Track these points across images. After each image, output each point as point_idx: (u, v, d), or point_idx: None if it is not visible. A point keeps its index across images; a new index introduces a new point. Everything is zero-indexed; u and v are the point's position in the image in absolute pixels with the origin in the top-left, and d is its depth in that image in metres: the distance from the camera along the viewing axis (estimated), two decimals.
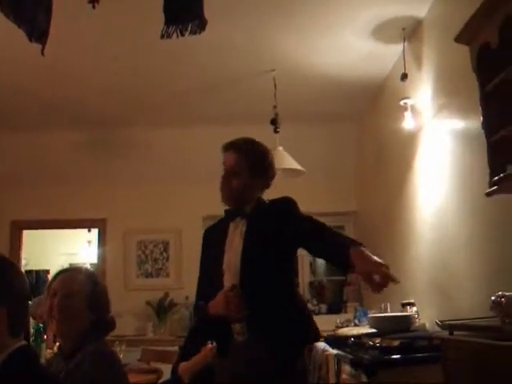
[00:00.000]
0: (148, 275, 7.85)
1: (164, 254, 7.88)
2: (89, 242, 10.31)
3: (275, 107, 5.67)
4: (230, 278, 2.83)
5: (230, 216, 2.99)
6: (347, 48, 5.49)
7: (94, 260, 8.59)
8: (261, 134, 5.86)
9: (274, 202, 2.98)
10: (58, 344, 2.91)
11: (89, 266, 9.63)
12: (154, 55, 5.36)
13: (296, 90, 6.07)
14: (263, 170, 2.97)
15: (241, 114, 6.73)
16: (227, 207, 3.00)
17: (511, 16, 2.97)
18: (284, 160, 5.43)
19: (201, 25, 2.16)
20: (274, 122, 5.64)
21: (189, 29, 2.16)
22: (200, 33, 2.17)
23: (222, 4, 4.49)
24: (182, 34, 2.17)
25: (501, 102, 3.25)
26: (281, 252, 2.84)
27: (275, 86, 5.71)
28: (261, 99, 5.82)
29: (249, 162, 2.91)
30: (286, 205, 2.90)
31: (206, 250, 3.10)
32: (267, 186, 3.02)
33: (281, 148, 5.58)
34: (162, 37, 2.21)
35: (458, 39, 3.51)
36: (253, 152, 2.96)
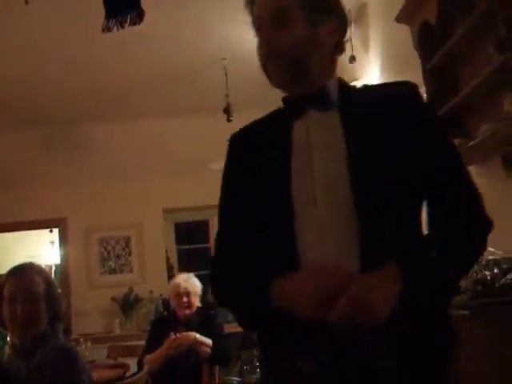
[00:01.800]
0: (112, 272, 7.82)
1: (126, 250, 7.86)
2: (51, 242, 10.20)
3: (227, 96, 5.69)
4: (316, 233, 1.43)
5: (292, 108, 1.58)
6: None
7: (58, 261, 8.52)
8: (214, 123, 5.91)
9: (386, 87, 1.70)
10: (11, 343, 2.79)
11: (53, 268, 9.58)
12: (103, 49, 5.30)
13: (248, 78, 6.03)
14: (331, 13, 1.56)
15: (194, 104, 6.72)
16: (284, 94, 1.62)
17: None
18: None
19: (139, 15, 2.18)
20: (226, 110, 5.66)
21: (128, 20, 2.18)
22: (139, 23, 2.19)
23: None
24: (122, 26, 2.19)
25: (442, 78, 3.33)
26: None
27: (226, 75, 5.72)
28: (213, 89, 5.83)
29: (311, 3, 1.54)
30: (424, 106, 1.59)
31: (242, 173, 1.61)
32: (341, 47, 1.61)
33: None
34: (103, 30, 2.22)
35: (399, 19, 3.59)
36: None
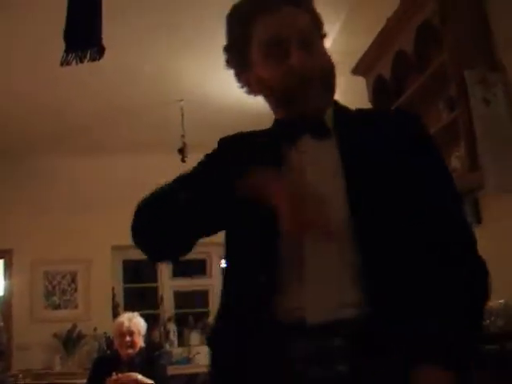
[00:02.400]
0: (56, 307, 7.65)
1: (72, 285, 7.71)
2: None
3: (183, 136, 5.72)
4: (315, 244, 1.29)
5: (287, 131, 1.45)
6: None
7: (1, 292, 8.33)
8: (168, 162, 5.91)
9: (382, 112, 1.72)
10: None
11: None
12: (58, 82, 5.30)
13: (204, 120, 6.13)
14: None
15: (148, 142, 6.72)
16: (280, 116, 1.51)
17: (403, 50, 3.15)
18: None
19: (99, 52, 2.21)
20: (181, 151, 5.68)
21: (88, 56, 2.20)
22: (99, 59, 2.21)
23: (131, 32, 4.54)
24: (82, 61, 2.21)
25: None
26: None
27: (183, 115, 5.76)
28: (169, 128, 5.85)
29: (316, 20, 1.50)
30: (419, 128, 1.47)
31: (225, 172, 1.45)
32: None
33: None
34: (62, 64, 2.23)
35: (355, 71, 3.70)
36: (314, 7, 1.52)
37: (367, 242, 1.27)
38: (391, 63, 3.28)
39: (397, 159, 1.35)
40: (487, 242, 2.80)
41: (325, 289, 1.27)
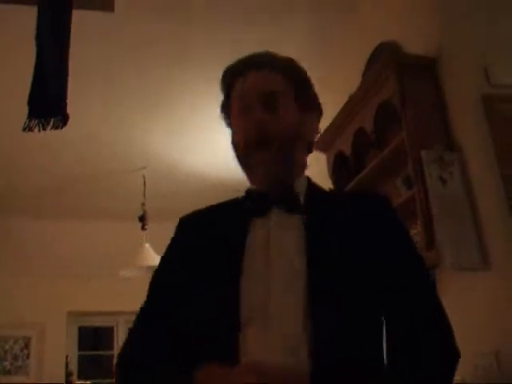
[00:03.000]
0: (6, 373, 7.43)
1: (25, 351, 7.52)
2: None
3: (143, 204, 5.69)
4: (263, 338, 1.25)
5: (256, 203, 1.43)
6: (221, 149, 5.66)
7: None
8: (129, 230, 5.89)
9: (355, 196, 1.63)
10: None
11: None
12: (22, 144, 5.30)
13: (166, 189, 6.14)
14: (313, 102, 1.56)
15: (108, 208, 6.68)
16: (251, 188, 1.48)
17: (363, 128, 3.23)
18: (150, 258, 5.37)
19: (63, 120, 2.22)
20: (142, 218, 5.65)
21: (51, 123, 2.21)
22: (62, 128, 2.22)
23: (94, 97, 4.59)
24: (44, 128, 2.21)
25: None
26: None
27: (145, 183, 5.74)
28: (130, 195, 5.82)
29: (292, 85, 1.49)
30: (388, 211, 1.45)
31: (190, 255, 1.43)
32: (312, 147, 1.56)
33: (147, 245, 5.56)
34: (24, 129, 2.23)
35: (316, 147, 3.74)
36: (297, 70, 1.55)
37: (321, 322, 1.24)
38: (351, 140, 3.35)
39: (364, 245, 1.32)
40: None
41: None
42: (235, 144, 1.46)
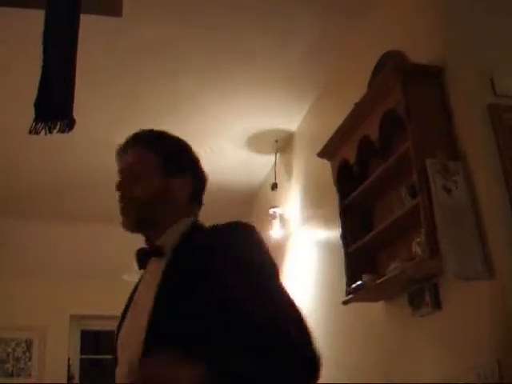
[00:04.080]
0: (8, 375, 7.44)
1: (27, 354, 7.53)
2: None
3: None
4: (122, 366, 1.59)
5: (142, 258, 1.75)
6: (222, 156, 5.68)
7: None
8: (132, 234, 5.88)
9: (214, 228, 1.72)
10: None
11: None
12: (28, 147, 5.31)
13: None
14: (185, 165, 1.83)
15: (112, 212, 6.66)
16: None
17: (368, 136, 3.23)
18: None
19: (69, 124, 2.22)
20: None
21: (57, 127, 2.21)
22: (68, 131, 2.22)
23: (99, 101, 4.60)
24: (50, 132, 2.21)
25: (357, 214, 3.47)
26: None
27: None
28: None
29: (160, 155, 1.80)
30: (211, 241, 1.64)
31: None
32: (198, 198, 1.86)
33: None
34: (30, 132, 2.23)
35: (321, 154, 3.77)
36: (163, 141, 1.87)
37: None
38: (356, 148, 3.35)
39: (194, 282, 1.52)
40: (446, 327, 2.83)
41: None
42: None
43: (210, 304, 1.47)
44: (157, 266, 1.64)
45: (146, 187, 1.72)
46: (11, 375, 7.45)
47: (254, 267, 1.56)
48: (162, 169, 1.76)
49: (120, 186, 1.74)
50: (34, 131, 2.23)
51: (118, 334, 1.69)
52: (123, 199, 1.74)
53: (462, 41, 2.95)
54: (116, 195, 1.77)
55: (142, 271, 1.75)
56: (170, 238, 1.68)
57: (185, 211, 1.77)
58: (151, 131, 1.87)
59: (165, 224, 1.72)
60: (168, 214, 1.73)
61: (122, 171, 1.78)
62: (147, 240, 1.77)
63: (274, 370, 1.40)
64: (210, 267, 1.53)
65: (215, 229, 1.68)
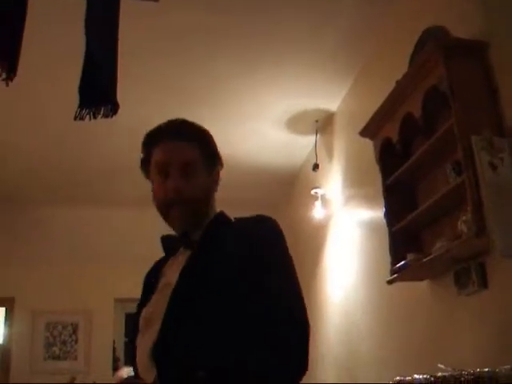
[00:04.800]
0: (55, 357, 7.59)
1: (73, 337, 7.67)
2: None
3: None
4: (143, 348, 1.65)
5: (169, 247, 1.85)
6: (262, 138, 5.68)
7: (0, 340, 8.25)
8: None
9: (244, 221, 1.81)
10: None
11: None
12: (72, 135, 5.38)
13: None
14: (217, 159, 1.91)
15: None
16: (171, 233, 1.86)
17: (411, 114, 3.19)
18: None
19: (113, 109, 2.24)
20: None
21: (101, 112, 2.23)
22: (112, 116, 2.24)
23: (139, 89, 4.63)
24: (95, 117, 2.24)
25: (401, 193, 3.44)
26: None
27: None
28: None
29: (203, 152, 1.84)
30: (257, 231, 1.74)
31: (140, 298, 1.91)
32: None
33: None
34: (76, 118, 2.26)
35: (363, 133, 3.74)
36: (207, 139, 1.89)
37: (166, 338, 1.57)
38: (399, 126, 3.31)
39: (220, 270, 1.62)
40: (493, 306, 2.80)
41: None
42: (156, 199, 1.81)
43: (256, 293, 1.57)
44: (186, 255, 1.74)
45: (198, 189, 1.77)
46: (58, 358, 7.61)
47: (287, 259, 1.73)
48: (206, 166, 1.82)
49: (178, 189, 1.74)
50: (78, 117, 2.26)
51: (139, 316, 1.75)
52: (180, 202, 1.75)
53: (507, 13, 2.87)
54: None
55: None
56: (200, 230, 1.78)
57: (214, 202, 1.87)
58: (192, 125, 1.86)
59: (204, 219, 1.80)
60: (208, 210, 1.82)
61: (169, 168, 1.77)
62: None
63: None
64: (248, 257, 1.63)
65: (245, 220, 1.78)
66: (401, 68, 3.42)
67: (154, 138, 1.82)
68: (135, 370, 1.69)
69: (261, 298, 1.56)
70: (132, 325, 1.80)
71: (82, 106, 2.26)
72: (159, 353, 1.56)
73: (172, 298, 1.62)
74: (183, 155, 1.77)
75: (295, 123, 5.43)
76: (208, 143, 1.86)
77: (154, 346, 1.57)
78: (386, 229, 3.49)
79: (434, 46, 2.97)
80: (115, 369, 6.72)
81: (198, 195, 1.75)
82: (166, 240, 1.83)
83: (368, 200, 4.37)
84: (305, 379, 1.54)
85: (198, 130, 1.86)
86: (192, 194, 1.74)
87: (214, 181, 1.84)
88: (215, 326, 1.55)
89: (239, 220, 1.80)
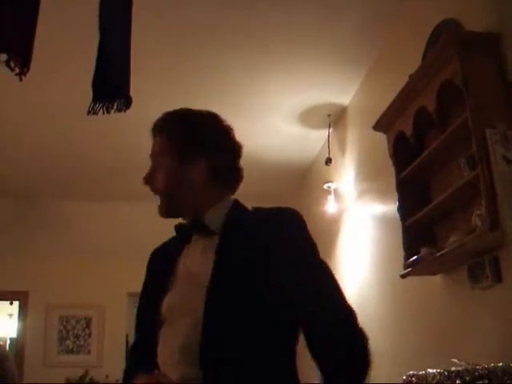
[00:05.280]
0: (69, 351, 7.65)
1: (86, 331, 7.72)
2: (10, 315, 9.98)
3: None
4: (171, 342, 1.60)
5: (181, 234, 1.79)
6: (275, 132, 5.68)
7: (14, 334, 8.31)
8: None
9: (267, 212, 1.71)
10: None
11: (8, 341, 9.31)
12: (83, 132, 5.40)
13: None
14: (205, 149, 1.76)
15: None
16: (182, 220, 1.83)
17: (424, 108, 3.17)
18: None
19: (126, 103, 2.24)
20: None
21: (115, 106, 2.23)
22: (125, 111, 2.24)
23: (151, 84, 4.63)
24: (108, 112, 2.23)
25: (415, 187, 3.43)
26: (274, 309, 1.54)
27: None
28: None
29: (173, 141, 1.78)
30: (280, 225, 1.66)
31: (147, 282, 1.87)
32: (222, 175, 1.77)
33: None
34: (89, 113, 2.26)
35: (376, 127, 3.72)
36: (183, 126, 1.79)
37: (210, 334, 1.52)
38: (412, 120, 3.30)
39: (258, 264, 1.55)
40: (508, 300, 2.78)
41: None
42: None
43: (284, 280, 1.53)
44: (205, 244, 1.68)
45: (164, 179, 1.75)
46: (71, 352, 7.66)
47: (314, 249, 1.66)
48: (180, 155, 1.75)
49: (145, 181, 1.81)
50: (92, 111, 2.26)
51: (157, 307, 1.68)
52: (153, 191, 1.81)
53: None
54: None
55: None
56: (214, 218, 1.71)
57: (213, 191, 1.75)
58: (168, 114, 1.84)
59: (198, 207, 1.74)
60: (192, 199, 1.74)
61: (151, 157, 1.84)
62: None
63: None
64: (273, 248, 1.58)
65: (269, 211, 1.71)
66: (413, 62, 3.40)
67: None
68: (150, 360, 1.63)
69: (312, 301, 1.55)
70: (147, 309, 1.75)
71: (95, 100, 2.26)
72: (206, 353, 1.50)
73: (209, 294, 1.55)
74: (152, 148, 1.83)
75: (308, 117, 5.42)
76: (182, 131, 1.77)
77: (200, 347, 1.50)
78: (400, 223, 3.48)
79: (448, 39, 2.95)
80: None
81: (166, 185, 1.74)
82: (179, 228, 1.79)
83: (381, 194, 4.36)
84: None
85: (169, 120, 1.82)
86: (160, 184, 1.76)
87: (197, 169, 1.72)
88: (261, 329, 1.53)
89: (259, 210, 1.73)
